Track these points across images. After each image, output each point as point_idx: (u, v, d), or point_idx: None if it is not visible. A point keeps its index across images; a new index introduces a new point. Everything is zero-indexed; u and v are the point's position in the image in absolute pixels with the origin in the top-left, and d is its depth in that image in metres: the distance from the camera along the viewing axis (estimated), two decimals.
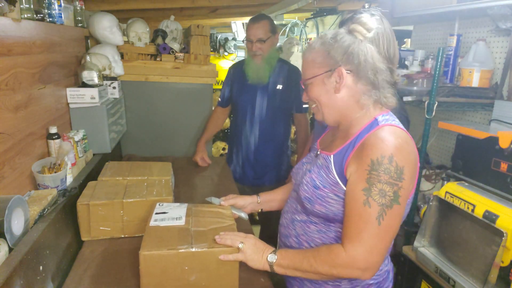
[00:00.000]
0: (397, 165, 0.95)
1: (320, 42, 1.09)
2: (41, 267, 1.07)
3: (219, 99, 2.41)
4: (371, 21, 1.05)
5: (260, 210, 1.46)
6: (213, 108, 2.59)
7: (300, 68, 2.22)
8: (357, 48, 1.03)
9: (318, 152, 1.18)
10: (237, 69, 2.33)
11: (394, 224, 0.97)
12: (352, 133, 1.07)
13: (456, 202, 1.48)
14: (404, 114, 1.52)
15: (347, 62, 1.04)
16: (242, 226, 1.43)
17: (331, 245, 1.05)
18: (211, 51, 4.92)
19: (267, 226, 2.51)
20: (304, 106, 2.29)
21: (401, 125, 1.05)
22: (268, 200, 1.46)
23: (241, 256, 1.10)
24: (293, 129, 2.77)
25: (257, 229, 2.68)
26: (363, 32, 1.05)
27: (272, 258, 1.09)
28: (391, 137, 0.99)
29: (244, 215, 1.39)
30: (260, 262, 1.11)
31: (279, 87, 2.21)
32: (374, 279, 1.13)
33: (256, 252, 1.11)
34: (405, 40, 3.49)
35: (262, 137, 2.26)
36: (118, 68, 2.17)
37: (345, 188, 1.03)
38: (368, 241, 0.95)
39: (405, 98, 1.95)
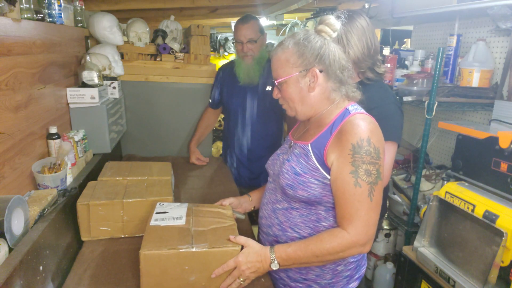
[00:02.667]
0: (375, 146, 1.06)
1: (292, 42, 1.14)
2: (41, 267, 1.07)
3: (210, 101, 2.40)
4: (336, 23, 1.15)
5: (253, 208, 1.49)
6: None
7: None
8: (327, 49, 1.12)
9: (292, 143, 1.25)
10: (226, 71, 2.32)
11: (380, 196, 1.08)
12: (326, 122, 1.15)
13: (456, 202, 1.48)
14: (399, 106, 1.52)
15: (319, 63, 1.12)
16: (242, 226, 1.43)
17: (332, 231, 1.09)
18: (211, 51, 4.92)
19: None
20: None
21: (367, 113, 1.16)
22: (259, 197, 1.48)
23: (248, 280, 1.13)
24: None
25: (255, 228, 2.69)
26: (329, 32, 1.14)
27: (275, 266, 1.10)
28: (364, 122, 1.08)
29: (241, 216, 1.40)
30: (263, 273, 1.15)
31: (269, 88, 2.18)
32: (354, 257, 1.23)
33: (255, 271, 1.11)
34: (405, 40, 3.49)
35: (255, 138, 2.26)
36: (118, 68, 2.17)
37: (324, 173, 1.11)
38: (365, 216, 1.05)
39: (405, 98, 1.95)
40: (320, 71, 1.13)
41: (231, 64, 2.34)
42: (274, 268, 1.11)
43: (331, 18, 1.15)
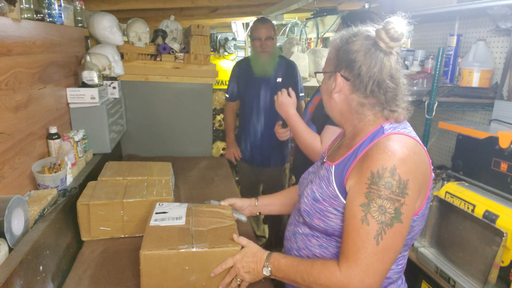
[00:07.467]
0: (400, 178, 0.85)
1: (339, 37, 1.01)
2: (41, 267, 1.07)
3: (227, 96, 2.67)
4: (398, 29, 0.90)
5: (258, 213, 1.44)
6: (213, 108, 2.72)
7: (296, 63, 2.59)
8: (363, 57, 0.94)
9: (324, 160, 1.10)
10: (242, 66, 2.60)
11: (395, 243, 0.87)
12: (356, 142, 0.98)
13: (456, 202, 1.48)
14: None
15: (348, 69, 0.97)
16: (242, 227, 1.43)
17: (326, 261, 0.96)
18: (211, 51, 4.91)
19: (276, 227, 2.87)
20: (300, 94, 2.62)
21: (412, 134, 0.95)
22: (267, 203, 1.42)
23: (244, 283, 1.11)
24: None
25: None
26: (385, 40, 0.92)
27: (266, 272, 1.05)
28: (396, 146, 0.88)
29: (243, 218, 1.38)
30: (258, 277, 1.09)
31: (279, 80, 2.51)
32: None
33: (249, 272, 1.08)
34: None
35: (267, 125, 2.52)
36: (118, 68, 2.17)
37: (344, 202, 0.94)
38: (365, 261, 0.86)
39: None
40: (347, 79, 0.97)
41: (246, 60, 2.67)
42: (265, 274, 1.05)
43: (393, 23, 0.90)
